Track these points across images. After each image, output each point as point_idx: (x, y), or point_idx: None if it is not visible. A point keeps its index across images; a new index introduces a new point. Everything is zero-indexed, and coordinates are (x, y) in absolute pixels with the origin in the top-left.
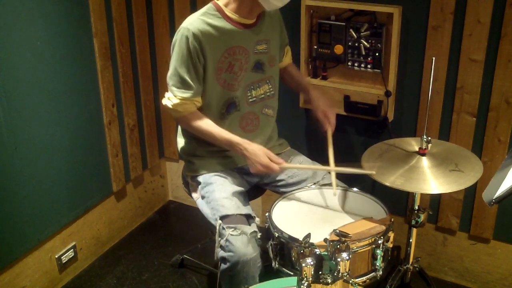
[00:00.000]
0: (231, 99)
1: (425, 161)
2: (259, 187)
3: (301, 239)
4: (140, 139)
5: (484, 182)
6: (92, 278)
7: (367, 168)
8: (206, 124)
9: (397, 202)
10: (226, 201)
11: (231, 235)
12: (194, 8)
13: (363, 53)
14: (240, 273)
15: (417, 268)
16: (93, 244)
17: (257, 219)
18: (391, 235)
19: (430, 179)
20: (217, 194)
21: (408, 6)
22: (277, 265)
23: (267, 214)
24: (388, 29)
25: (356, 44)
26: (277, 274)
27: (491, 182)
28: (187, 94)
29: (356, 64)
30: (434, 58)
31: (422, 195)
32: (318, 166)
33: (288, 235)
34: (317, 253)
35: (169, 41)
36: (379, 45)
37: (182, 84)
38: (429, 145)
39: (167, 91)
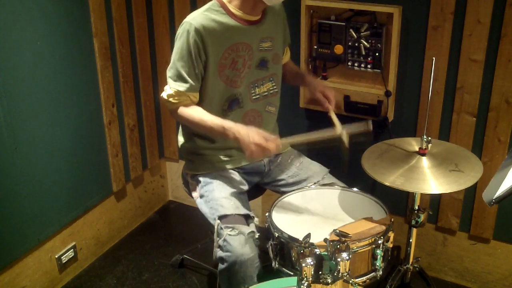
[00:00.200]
0: (234, 95)
1: (425, 161)
2: (259, 187)
3: (301, 239)
4: (140, 139)
5: (484, 182)
6: (92, 278)
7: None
8: (198, 112)
9: (397, 202)
10: (225, 201)
11: (229, 235)
12: (194, 8)
13: (363, 53)
14: (238, 273)
15: (417, 268)
16: (93, 244)
17: (256, 219)
18: (391, 235)
19: (430, 179)
20: (216, 193)
21: (408, 6)
22: (277, 265)
23: (267, 214)
24: (388, 29)
25: (356, 44)
26: (277, 274)
27: (491, 182)
28: (182, 87)
29: (356, 64)
30: (434, 58)
31: (422, 195)
32: (320, 134)
33: (288, 235)
34: (317, 253)
35: (169, 41)
36: (379, 45)
37: (178, 77)
38: (429, 145)
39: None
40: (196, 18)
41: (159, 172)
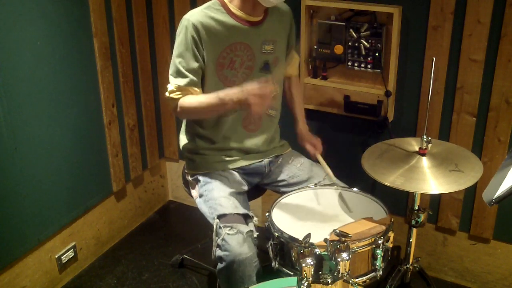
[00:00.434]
0: None
1: (425, 161)
2: (260, 187)
3: (301, 239)
4: (140, 139)
5: (484, 182)
6: (92, 278)
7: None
8: (195, 97)
9: (397, 202)
10: (224, 200)
11: (227, 234)
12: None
13: (363, 53)
14: (236, 272)
15: (417, 268)
16: (93, 244)
17: (255, 219)
18: (391, 235)
19: (430, 179)
20: (216, 193)
21: (408, 6)
22: (277, 265)
23: (267, 214)
24: (388, 29)
25: (356, 44)
26: (277, 274)
27: (491, 182)
28: (182, 82)
29: (356, 64)
30: (434, 58)
31: (422, 195)
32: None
33: (288, 235)
34: (317, 253)
35: (169, 41)
36: (379, 45)
37: (178, 73)
38: (429, 145)
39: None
40: (194, 15)
41: (159, 172)
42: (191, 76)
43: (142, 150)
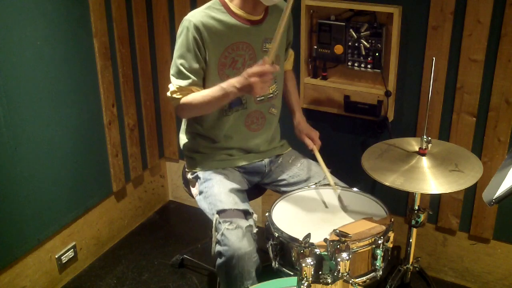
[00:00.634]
0: None
1: (425, 161)
2: (260, 187)
3: (301, 239)
4: (140, 139)
5: (484, 182)
6: (92, 278)
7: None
8: (197, 93)
9: (397, 202)
10: (224, 196)
11: (227, 229)
12: (194, 7)
13: (363, 53)
14: (236, 267)
15: (417, 268)
16: (93, 244)
17: (255, 215)
18: (391, 235)
19: (430, 179)
20: (216, 189)
21: (408, 6)
22: (277, 265)
23: (267, 214)
24: (388, 29)
25: (356, 44)
26: (277, 274)
27: (491, 182)
28: (184, 83)
29: (356, 64)
30: (434, 58)
31: (422, 195)
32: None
33: (288, 235)
34: (317, 253)
35: (169, 41)
36: (379, 45)
37: (179, 74)
38: (429, 145)
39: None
40: (195, 16)
41: (159, 172)
42: (192, 77)
43: (142, 150)
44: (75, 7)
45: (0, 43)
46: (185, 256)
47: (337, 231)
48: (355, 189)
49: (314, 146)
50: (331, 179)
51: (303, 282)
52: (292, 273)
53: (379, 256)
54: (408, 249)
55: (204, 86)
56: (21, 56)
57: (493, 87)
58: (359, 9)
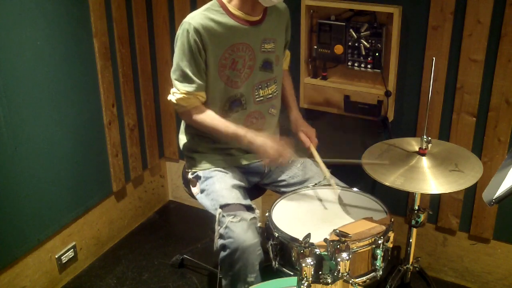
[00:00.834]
0: (235, 96)
1: (425, 161)
2: (260, 187)
3: (301, 239)
4: (140, 139)
5: (484, 182)
6: (92, 278)
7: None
8: (210, 118)
9: (397, 202)
10: (226, 192)
11: (231, 221)
12: (194, 8)
13: (363, 53)
14: (240, 260)
15: (417, 268)
16: (93, 244)
17: (257, 211)
18: (391, 235)
19: (430, 179)
20: (217, 185)
21: (408, 6)
22: (277, 265)
23: (267, 214)
24: (388, 29)
25: (356, 44)
26: (277, 274)
27: (491, 182)
28: (190, 88)
29: (356, 64)
30: (434, 58)
31: (422, 195)
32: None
33: (288, 235)
34: (317, 253)
35: (169, 41)
36: (379, 45)
37: (184, 78)
38: (429, 145)
39: (172, 87)
40: (195, 18)
41: (159, 172)
42: (197, 81)
43: (142, 150)
44: (75, 7)
45: (0, 43)
46: (185, 256)
47: (337, 231)
48: (355, 189)
49: (311, 144)
50: (327, 173)
51: (303, 282)
52: (292, 273)
53: (379, 256)
54: (408, 249)
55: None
56: (21, 56)
57: (493, 87)
58: (359, 9)
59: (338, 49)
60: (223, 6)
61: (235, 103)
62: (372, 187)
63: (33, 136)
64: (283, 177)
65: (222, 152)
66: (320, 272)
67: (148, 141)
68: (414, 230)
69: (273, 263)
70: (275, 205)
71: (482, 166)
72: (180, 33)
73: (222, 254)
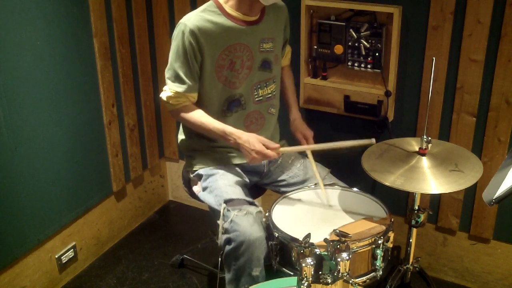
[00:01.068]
0: (233, 96)
1: (425, 161)
2: (259, 187)
3: (301, 239)
4: (140, 139)
5: (484, 182)
6: (92, 278)
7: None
8: (198, 115)
9: (397, 202)
10: (230, 188)
11: (236, 215)
12: (194, 8)
13: (363, 53)
14: (245, 253)
15: (417, 268)
16: (93, 244)
17: (260, 208)
18: (391, 235)
19: (430, 179)
20: (221, 182)
21: (408, 6)
22: (277, 265)
23: (267, 214)
24: (388, 29)
25: (356, 44)
26: (277, 274)
27: (491, 182)
28: (180, 88)
29: (356, 64)
30: (434, 58)
31: (422, 195)
32: (317, 145)
33: (288, 235)
34: (317, 253)
35: (169, 41)
36: (379, 45)
37: (176, 78)
38: (429, 145)
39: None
40: (191, 19)
41: (159, 172)
42: (188, 82)
43: (142, 150)
44: (75, 7)
45: (0, 43)
46: (185, 256)
47: (337, 231)
48: (355, 189)
49: (307, 148)
50: (318, 175)
51: (303, 282)
52: (292, 273)
53: (379, 256)
54: (408, 249)
55: (201, 87)
56: (21, 56)
57: (493, 87)
58: (359, 9)
59: (338, 49)
60: (220, 7)
61: (234, 103)
62: (372, 187)
63: (33, 136)
64: (283, 177)
65: (221, 150)
66: (320, 272)
67: (148, 141)
68: (414, 230)
69: (273, 263)
70: (275, 205)
71: (482, 166)
72: (176, 34)
73: (227, 248)
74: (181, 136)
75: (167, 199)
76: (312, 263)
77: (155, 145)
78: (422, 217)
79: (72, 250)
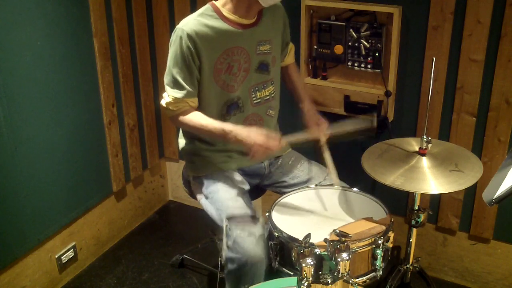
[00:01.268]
0: (232, 100)
1: (425, 161)
2: (260, 188)
3: (301, 239)
4: (140, 139)
5: (484, 182)
6: (92, 278)
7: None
8: (197, 118)
9: (397, 202)
10: (231, 202)
11: (240, 236)
12: (194, 8)
13: (363, 53)
14: (248, 273)
15: (417, 268)
16: (93, 244)
17: (261, 220)
18: (391, 235)
19: (430, 179)
20: (221, 194)
21: (408, 6)
22: (277, 265)
23: (267, 214)
24: (388, 29)
25: (356, 44)
26: (277, 274)
27: (491, 182)
28: (179, 94)
29: (356, 64)
30: (434, 58)
31: (422, 195)
32: (319, 133)
33: (288, 235)
34: (317, 253)
35: (169, 41)
36: (379, 45)
37: (175, 84)
38: (429, 145)
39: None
40: (188, 24)
41: (159, 172)
42: (188, 88)
43: (142, 150)
44: (75, 7)
45: (0, 43)
46: (185, 256)
47: (337, 231)
48: (355, 189)
49: (323, 137)
50: (335, 178)
51: (303, 282)
52: (292, 273)
53: (379, 256)
54: (408, 249)
55: (200, 92)
56: (21, 56)
57: (493, 87)
58: (359, 9)
59: (338, 49)
60: (217, 11)
61: (233, 106)
62: (372, 187)
63: (33, 136)
64: (283, 178)
65: (221, 155)
66: (320, 272)
67: (148, 141)
68: (414, 230)
69: (273, 263)
70: (275, 205)
71: (482, 166)
72: (173, 39)
73: (230, 267)
74: (181, 140)
75: (167, 199)
76: (312, 263)
77: (155, 145)
78: (422, 217)
79: (72, 250)
